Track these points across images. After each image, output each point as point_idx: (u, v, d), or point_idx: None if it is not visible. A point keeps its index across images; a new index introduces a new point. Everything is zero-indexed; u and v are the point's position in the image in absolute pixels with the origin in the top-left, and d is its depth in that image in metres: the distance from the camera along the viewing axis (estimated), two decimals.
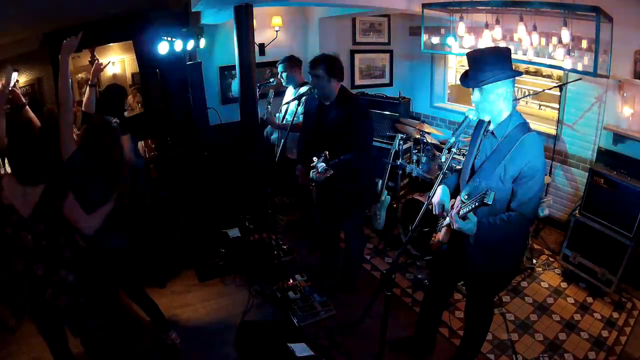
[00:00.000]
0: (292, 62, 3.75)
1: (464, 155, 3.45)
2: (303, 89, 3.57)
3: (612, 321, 3.00)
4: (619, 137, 3.55)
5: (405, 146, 4.27)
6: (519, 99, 4.21)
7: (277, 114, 3.96)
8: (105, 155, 2.26)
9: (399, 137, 3.96)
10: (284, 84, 3.87)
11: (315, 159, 2.66)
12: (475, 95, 1.93)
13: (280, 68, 3.76)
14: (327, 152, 2.62)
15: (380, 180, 3.90)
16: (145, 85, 4.58)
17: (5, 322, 2.82)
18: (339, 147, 2.72)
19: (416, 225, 1.92)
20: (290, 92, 3.92)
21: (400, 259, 3.57)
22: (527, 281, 3.44)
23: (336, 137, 2.78)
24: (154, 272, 3.36)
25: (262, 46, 4.67)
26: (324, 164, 2.59)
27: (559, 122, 4.01)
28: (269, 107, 3.95)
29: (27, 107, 3.02)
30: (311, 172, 2.71)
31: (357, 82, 5.43)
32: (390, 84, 5.61)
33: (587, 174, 3.42)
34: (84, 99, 3.03)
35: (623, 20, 3.14)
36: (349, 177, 2.82)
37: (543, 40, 3.51)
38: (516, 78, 1.96)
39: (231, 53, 3.67)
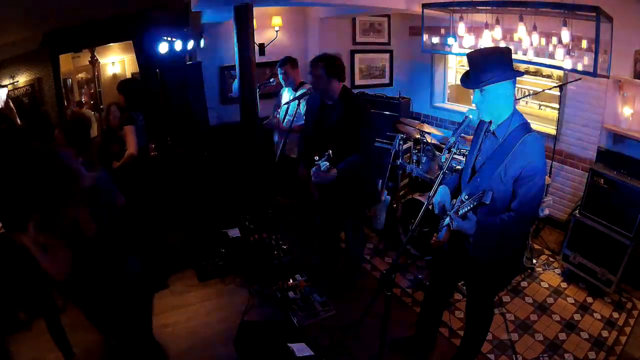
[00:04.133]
0: (291, 63, 3.76)
1: (464, 155, 3.45)
2: (302, 90, 3.57)
3: (612, 321, 3.00)
4: (619, 137, 3.55)
5: (405, 146, 4.27)
6: (519, 99, 4.21)
7: (277, 114, 3.96)
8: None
9: (399, 137, 3.95)
10: (283, 85, 3.88)
11: (316, 157, 2.66)
12: (476, 96, 1.93)
13: (279, 70, 3.78)
14: (331, 151, 2.62)
15: (380, 180, 3.90)
16: (145, 85, 4.58)
17: (17, 317, 2.85)
18: (341, 146, 2.72)
19: (416, 225, 1.92)
20: (287, 93, 3.92)
21: (400, 259, 3.59)
22: (527, 281, 3.44)
23: (338, 137, 2.77)
24: (154, 273, 3.36)
25: (262, 46, 4.67)
26: (327, 163, 2.59)
27: (559, 122, 4.00)
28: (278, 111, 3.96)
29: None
30: (313, 169, 2.70)
31: (357, 82, 5.44)
32: (390, 84, 5.61)
33: (587, 174, 3.42)
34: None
35: (623, 20, 3.14)
36: (351, 177, 2.82)
37: (543, 40, 3.51)
38: (517, 78, 1.96)
39: (231, 53, 3.67)
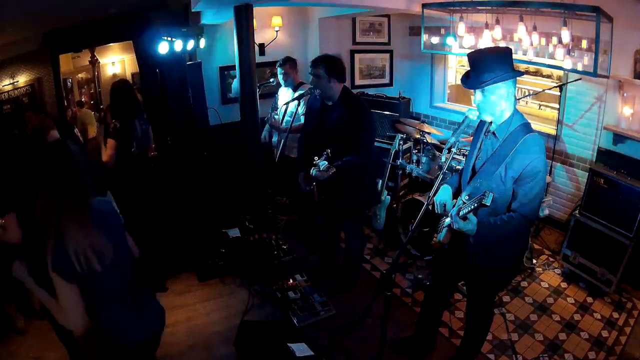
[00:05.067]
0: (290, 64, 3.77)
1: (464, 155, 3.45)
2: (302, 90, 3.57)
3: (612, 321, 3.00)
4: (619, 137, 3.55)
5: (405, 146, 4.27)
6: (519, 99, 4.21)
7: (275, 115, 3.96)
8: None
9: (399, 137, 3.95)
10: (282, 85, 3.88)
11: (316, 157, 2.66)
12: (477, 96, 1.93)
13: (279, 69, 3.78)
14: (329, 150, 2.62)
15: (380, 180, 3.90)
16: (145, 85, 4.59)
17: (14, 324, 2.84)
18: (341, 147, 2.72)
19: (416, 225, 1.92)
20: (285, 93, 3.92)
21: (400, 259, 3.58)
22: (527, 281, 3.44)
23: (338, 138, 2.77)
24: (154, 274, 3.36)
25: (262, 46, 4.67)
26: (326, 162, 2.59)
27: (559, 122, 4.01)
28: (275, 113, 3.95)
29: None
30: (312, 170, 2.71)
31: (357, 82, 5.43)
32: (390, 84, 5.61)
33: (587, 174, 3.42)
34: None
35: (623, 20, 3.14)
36: (351, 178, 2.82)
37: (543, 40, 3.51)
38: (517, 78, 1.96)
39: (231, 53, 3.67)
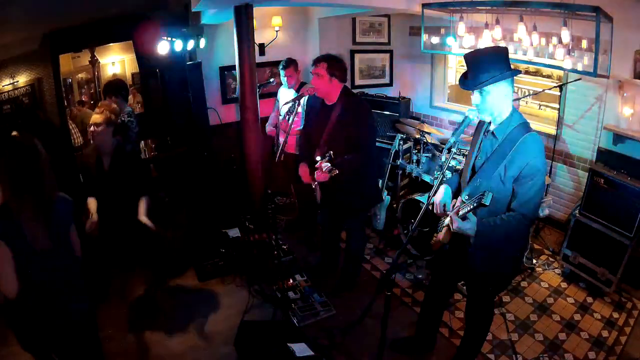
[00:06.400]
0: (294, 66, 3.79)
1: (464, 155, 3.45)
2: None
3: (612, 321, 3.00)
4: (619, 137, 3.54)
5: (405, 146, 4.27)
6: (519, 99, 4.21)
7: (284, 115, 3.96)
8: None
9: (399, 137, 3.95)
10: (284, 85, 3.89)
11: (318, 158, 2.66)
12: (475, 96, 1.93)
13: (281, 72, 3.80)
14: (332, 152, 2.63)
15: (380, 180, 3.90)
16: (145, 85, 4.58)
17: None
18: (341, 147, 2.72)
19: (416, 225, 1.92)
20: (287, 93, 3.93)
21: (400, 259, 3.59)
22: (527, 281, 3.44)
23: (339, 137, 2.77)
24: (153, 272, 3.36)
25: (262, 46, 4.67)
26: (329, 164, 2.59)
27: (559, 122, 4.01)
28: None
29: None
30: (316, 173, 2.71)
31: (357, 82, 5.43)
32: (390, 84, 5.60)
33: (587, 174, 3.42)
34: None
35: (623, 20, 3.14)
36: (353, 177, 2.82)
37: (543, 40, 3.50)
38: (516, 78, 1.95)
39: (231, 53, 3.67)
